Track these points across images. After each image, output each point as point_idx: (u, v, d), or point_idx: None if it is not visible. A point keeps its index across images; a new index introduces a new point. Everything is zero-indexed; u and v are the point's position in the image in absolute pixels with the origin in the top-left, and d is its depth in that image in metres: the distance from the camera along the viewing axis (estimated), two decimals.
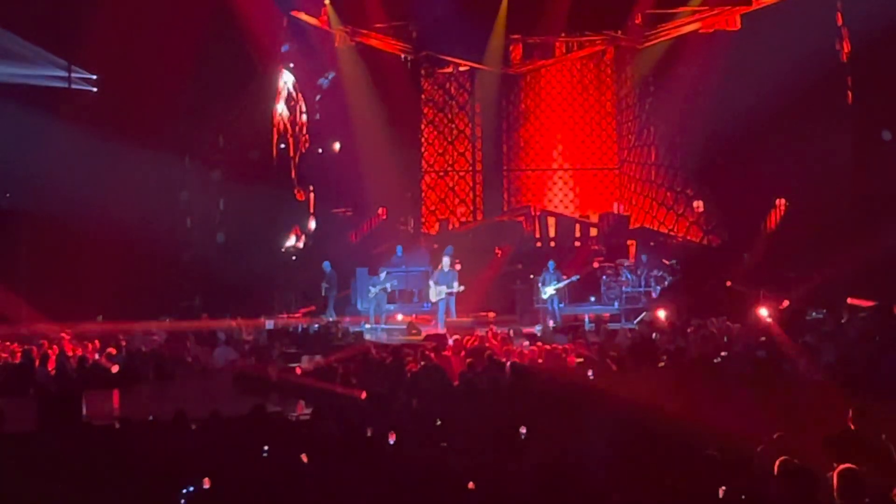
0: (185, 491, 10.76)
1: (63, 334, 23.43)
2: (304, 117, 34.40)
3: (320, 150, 34.40)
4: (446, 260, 28.18)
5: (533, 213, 35.34)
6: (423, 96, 36.44)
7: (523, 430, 12.53)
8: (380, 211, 34.76)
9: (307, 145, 34.41)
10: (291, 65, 34.02)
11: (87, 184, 27.26)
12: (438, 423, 13.47)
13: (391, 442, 12.42)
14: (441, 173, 36.63)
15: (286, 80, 34.12)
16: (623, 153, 35.74)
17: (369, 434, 12.73)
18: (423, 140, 36.46)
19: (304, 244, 33.84)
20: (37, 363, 20.85)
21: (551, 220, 35.45)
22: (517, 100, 36.57)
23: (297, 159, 34.26)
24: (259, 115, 32.38)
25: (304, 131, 34.40)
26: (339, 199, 34.43)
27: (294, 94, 34.37)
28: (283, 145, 34.08)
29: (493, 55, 34.70)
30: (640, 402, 13.97)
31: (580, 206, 36.11)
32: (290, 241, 33.94)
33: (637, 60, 34.30)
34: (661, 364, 18.15)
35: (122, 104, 28.33)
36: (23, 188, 27.31)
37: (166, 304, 28.38)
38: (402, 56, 35.00)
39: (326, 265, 30.15)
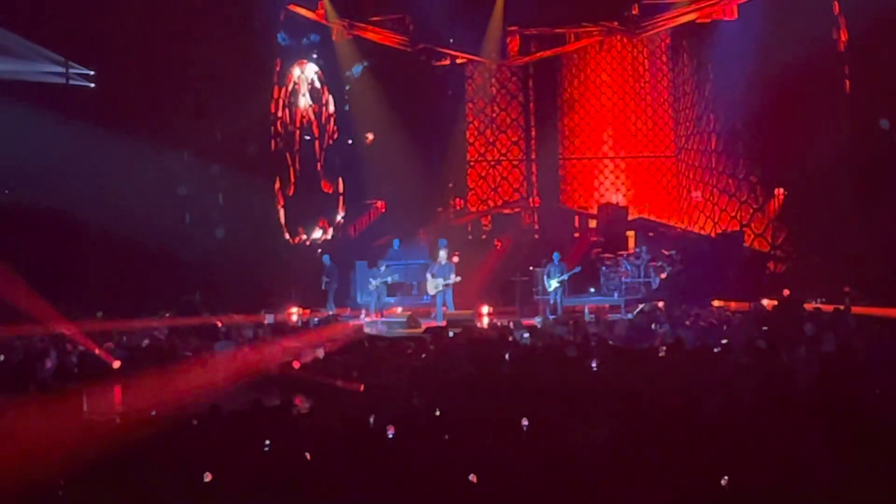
0: (186, 485, 10.77)
1: (65, 331, 23.45)
2: (332, 108, 34.43)
3: (350, 142, 34.40)
4: (443, 253, 28.19)
5: (531, 205, 35.34)
6: (470, 87, 36.42)
7: (525, 421, 12.52)
8: (378, 204, 34.74)
9: (335, 136, 34.42)
10: (315, 55, 34.03)
11: (85, 179, 27.26)
12: (437, 413, 13.46)
13: (390, 435, 12.41)
14: (493, 163, 36.55)
15: (310, 71, 34.16)
16: (680, 141, 35.50)
17: (370, 427, 12.74)
18: (473, 129, 36.40)
19: (332, 236, 33.94)
20: (38, 359, 20.87)
21: (550, 212, 35.48)
22: (569, 87, 36.39)
23: (323, 151, 34.30)
24: (258, 108, 32.37)
25: (332, 122, 34.42)
26: (371, 190, 34.35)
27: (319, 85, 34.40)
28: (307, 137, 34.11)
29: (491, 47, 34.67)
30: (640, 392, 13.99)
31: (635, 195, 35.92)
32: (317, 234, 34.00)
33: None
34: (661, 354, 18.17)
35: (120, 99, 28.33)
36: (21, 184, 27.29)
37: (166, 299, 28.35)
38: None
39: (326, 258, 30.17)
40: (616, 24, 34.43)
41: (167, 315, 27.19)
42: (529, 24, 34.83)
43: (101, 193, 27.57)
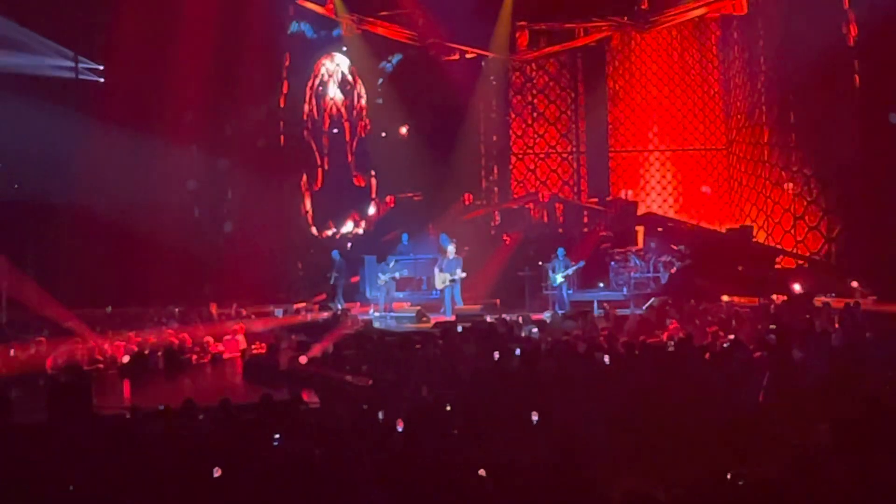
0: (195, 480, 10.79)
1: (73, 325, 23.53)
2: (364, 101, 34.42)
3: (384, 134, 34.38)
4: (451, 248, 28.11)
5: (541, 200, 35.24)
6: (518, 79, 36.36)
7: (535, 416, 12.52)
8: (388, 199, 34.71)
9: (367, 129, 34.40)
10: (344, 48, 34.02)
11: (93, 173, 27.32)
12: (448, 408, 13.48)
13: (399, 430, 12.43)
14: (542, 155, 36.47)
15: (339, 63, 34.16)
16: (731, 133, 35.14)
17: (379, 422, 12.76)
18: (520, 121, 36.35)
19: (364, 230, 33.95)
20: (47, 354, 20.95)
21: (559, 207, 35.36)
22: (619, 79, 36.20)
23: (354, 144, 34.28)
24: (267, 103, 32.40)
25: (364, 115, 34.41)
26: (406, 183, 34.35)
27: (350, 77, 34.39)
28: (335, 130, 34.10)
29: (500, 42, 34.61)
30: (648, 387, 13.99)
31: (684, 188, 35.76)
32: (348, 227, 34.02)
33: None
34: (670, 349, 18.17)
35: (128, 94, 28.38)
36: (30, 179, 27.36)
37: (174, 293, 28.36)
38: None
39: (335, 254, 30.14)
40: (625, 18, 34.34)
41: (176, 309, 27.23)
42: (538, 18, 34.75)
43: (109, 187, 27.62)
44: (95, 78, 29.73)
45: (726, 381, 14.46)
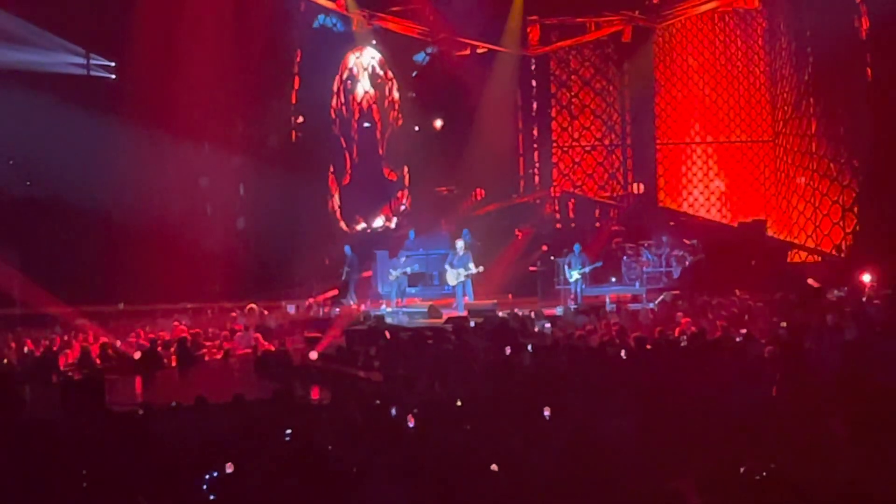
0: (208, 476, 10.79)
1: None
2: (396, 95, 34.40)
3: (417, 128, 34.40)
4: (460, 243, 28.04)
5: (553, 195, 35.19)
6: (563, 72, 36.20)
7: (547, 411, 12.51)
8: (399, 194, 34.69)
9: (399, 123, 34.37)
10: (374, 42, 34.00)
11: (105, 170, 27.35)
12: (459, 404, 13.47)
13: (411, 425, 12.42)
14: (588, 148, 36.28)
15: (368, 57, 34.16)
16: (778, 125, 34.64)
17: (391, 417, 12.76)
18: (566, 114, 36.19)
19: (397, 224, 33.93)
20: (59, 351, 21.01)
21: (570, 202, 35.28)
22: (666, 70, 35.88)
23: (386, 138, 34.25)
24: (279, 98, 32.41)
25: (396, 109, 34.38)
26: (440, 177, 34.26)
27: (381, 71, 34.37)
28: (367, 124, 34.08)
29: (511, 37, 34.53)
30: (662, 382, 13.97)
31: (730, 180, 35.35)
32: (379, 222, 34.03)
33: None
34: (683, 344, 18.14)
35: (141, 91, 28.39)
36: (43, 176, 27.41)
37: (187, 289, 28.38)
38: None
39: (347, 249, 30.14)
40: (636, 12, 34.25)
41: (188, 305, 27.26)
42: (550, 13, 34.68)
43: (120, 184, 27.67)
44: (107, 75, 29.76)
45: (739, 375, 14.43)
